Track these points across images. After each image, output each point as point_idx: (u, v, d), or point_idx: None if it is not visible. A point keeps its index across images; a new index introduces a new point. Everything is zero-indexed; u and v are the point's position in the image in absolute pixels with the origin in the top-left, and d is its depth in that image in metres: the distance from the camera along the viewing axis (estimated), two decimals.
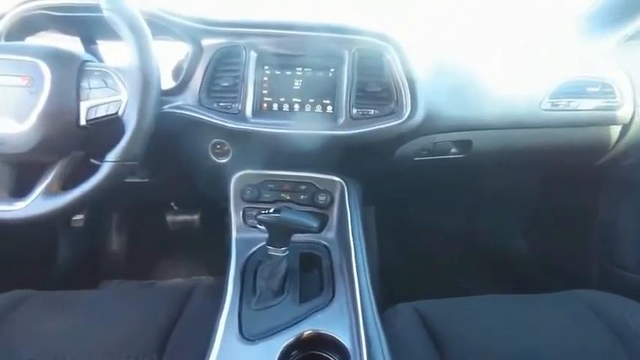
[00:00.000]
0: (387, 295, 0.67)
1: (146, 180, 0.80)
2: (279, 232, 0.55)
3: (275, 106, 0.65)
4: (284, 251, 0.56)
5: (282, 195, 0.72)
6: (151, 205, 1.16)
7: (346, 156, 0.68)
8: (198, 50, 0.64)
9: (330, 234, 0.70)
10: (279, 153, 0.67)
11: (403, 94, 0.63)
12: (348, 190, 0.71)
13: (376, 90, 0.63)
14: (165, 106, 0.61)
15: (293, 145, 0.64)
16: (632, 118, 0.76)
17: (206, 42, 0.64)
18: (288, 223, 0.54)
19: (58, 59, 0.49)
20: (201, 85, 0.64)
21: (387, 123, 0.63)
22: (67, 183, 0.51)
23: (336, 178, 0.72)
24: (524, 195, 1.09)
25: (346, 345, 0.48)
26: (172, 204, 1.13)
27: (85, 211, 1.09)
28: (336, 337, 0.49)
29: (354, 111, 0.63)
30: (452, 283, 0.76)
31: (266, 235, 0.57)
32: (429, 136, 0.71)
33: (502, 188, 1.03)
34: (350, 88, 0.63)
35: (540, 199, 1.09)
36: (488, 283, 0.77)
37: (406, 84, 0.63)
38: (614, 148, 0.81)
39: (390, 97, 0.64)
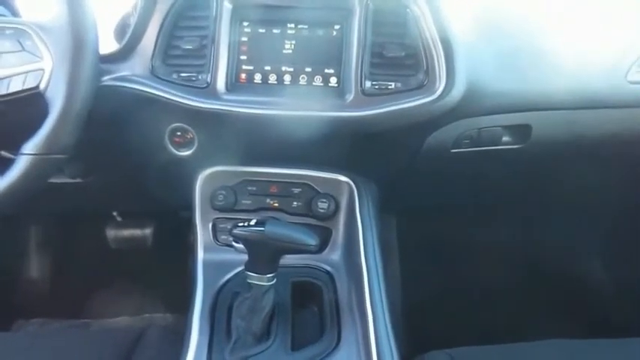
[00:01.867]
0: (414, 341, 0.66)
1: (78, 180, 0.79)
2: (264, 253, 0.55)
3: (257, 78, 0.65)
4: (270, 279, 0.56)
5: (268, 201, 0.72)
6: (85, 216, 1.14)
7: (357, 147, 0.68)
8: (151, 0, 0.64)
9: (334, 255, 0.70)
10: (264, 143, 0.67)
11: (436, 60, 0.62)
12: (359, 195, 0.71)
13: (398, 55, 0.63)
14: (105, 77, 0.61)
15: (283, 131, 0.63)
16: None
17: None
18: (275, 239, 0.53)
19: None
20: (155, 48, 0.63)
21: (414, 101, 0.62)
22: None
23: (343, 178, 0.72)
24: (604, 202, 1.09)
25: None
26: (115, 213, 1.10)
27: None
28: None
29: (368, 84, 0.63)
30: (500, 324, 0.75)
31: (245, 257, 0.56)
32: (471, 119, 0.71)
33: (573, 191, 1.03)
34: (362, 53, 0.63)
35: (627, 208, 1.09)
36: (552, 323, 0.76)
37: (440, 47, 0.62)
38: None
39: (418, 64, 0.63)
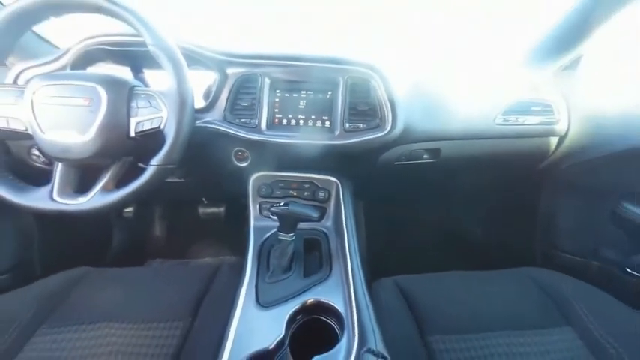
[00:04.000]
0: (374, 272, 0.67)
1: (182, 180, 0.80)
2: (288, 221, 0.55)
3: (284, 122, 0.64)
4: (291, 236, 0.56)
5: (290, 192, 0.72)
6: (186, 200, 1.15)
7: (341, 161, 0.68)
8: (224, 77, 0.64)
9: (328, 223, 0.70)
10: (288, 158, 0.67)
11: (386, 112, 0.63)
12: (342, 188, 0.70)
13: (365, 109, 0.63)
14: (198, 122, 0.61)
15: (299, 152, 0.64)
16: (567, 131, 0.76)
17: (230, 70, 0.64)
18: (294, 214, 0.54)
19: (112, 84, 0.49)
20: (226, 104, 0.63)
21: (373, 135, 0.62)
22: (119, 182, 0.51)
23: (333, 179, 0.71)
24: (483, 191, 1.08)
25: (341, 310, 0.48)
26: (203, 199, 1.12)
27: (134, 204, 1.08)
28: (333, 304, 0.49)
29: (347, 125, 0.63)
30: (425, 262, 0.75)
31: (277, 224, 0.56)
32: (406, 145, 0.71)
33: (465, 186, 1.02)
34: (344, 108, 0.63)
35: (495, 195, 1.08)
36: (454, 261, 0.77)
37: (388, 104, 0.62)
38: (553, 155, 0.80)
39: (376, 114, 0.63)
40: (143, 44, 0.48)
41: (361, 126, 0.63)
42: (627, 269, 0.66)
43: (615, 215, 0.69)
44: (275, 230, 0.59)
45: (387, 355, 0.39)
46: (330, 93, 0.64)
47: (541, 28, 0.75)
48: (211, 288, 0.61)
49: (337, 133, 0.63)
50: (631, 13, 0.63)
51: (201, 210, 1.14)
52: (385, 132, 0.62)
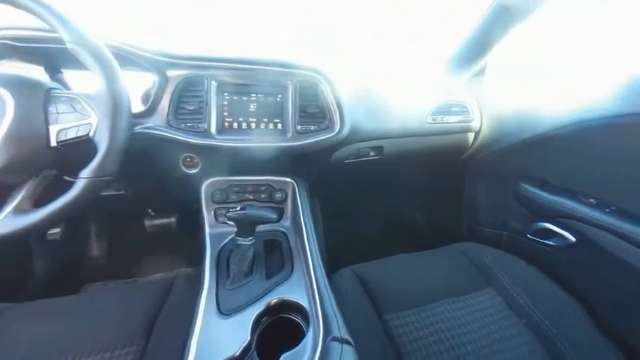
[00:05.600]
0: (333, 264, 0.68)
1: (121, 192, 0.70)
2: (246, 225, 0.53)
3: (235, 125, 0.61)
4: (251, 240, 0.53)
5: (246, 195, 0.68)
6: (129, 213, 1.00)
7: (295, 161, 0.67)
8: (164, 79, 0.58)
9: (286, 222, 0.69)
10: (242, 162, 0.64)
11: (334, 114, 0.64)
12: (298, 188, 0.70)
13: (314, 111, 0.63)
14: (137, 127, 0.54)
15: (252, 155, 0.61)
16: (480, 127, 0.87)
17: (171, 72, 0.58)
18: (252, 217, 0.52)
19: (21, 86, 0.40)
20: (169, 109, 0.57)
21: (324, 136, 0.63)
22: (39, 200, 0.42)
23: (288, 179, 0.70)
24: (419, 181, 1.16)
25: (304, 306, 0.48)
26: (149, 210, 0.99)
27: (62, 224, 0.90)
28: (297, 301, 0.48)
29: (299, 127, 0.62)
30: (376, 249, 0.79)
31: (235, 229, 0.53)
32: (354, 144, 0.73)
33: (404, 177, 1.10)
34: (294, 110, 0.62)
35: (429, 184, 1.17)
36: (400, 245, 0.83)
37: (336, 107, 0.64)
38: (471, 147, 0.91)
39: (325, 116, 0.64)
40: (60, 41, 0.41)
41: (312, 127, 0.63)
42: (528, 235, 0.80)
43: (517, 194, 0.83)
44: (233, 235, 0.56)
45: (350, 339, 0.40)
46: (279, 96, 0.62)
47: (455, 42, 0.86)
48: (166, 305, 0.55)
49: (289, 135, 0.62)
50: (520, 34, 0.76)
51: (148, 222, 1.01)
52: (334, 133, 0.63)
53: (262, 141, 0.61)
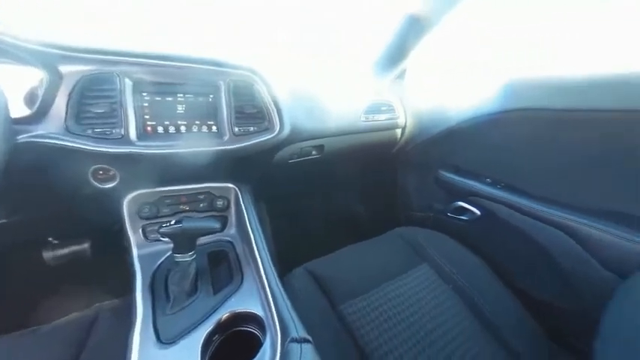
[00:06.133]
0: (285, 265, 0.67)
1: (4, 221, 0.54)
2: (184, 240, 0.47)
3: (160, 129, 0.53)
4: (192, 255, 0.48)
5: (181, 207, 0.61)
6: (19, 246, 0.77)
7: (236, 165, 0.63)
8: (56, 76, 0.46)
9: (231, 231, 0.64)
10: (173, 170, 0.57)
11: (273, 114, 0.62)
12: (241, 193, 0.66)
13: (252, 112, 0.60)
14: (21, 136, 0.42)
15: (186, 162, 0.54)
16: (405, 124, 0.98)
17: (66, 68, 0.46)
18: (191, 230, 0.46)
19: None
20: (67, 112, 0.46)
21: (264, 137, 0.61)
22: None
23: (230, 185, 0.66)
24: (358, 175, 1.23)
25: (259, 314, 0.45)
26: (50, 239, 0.77)
27: None
28: (250, 311, 0.46)
29: (236, 129, 0.59)
30: (325, 244, 0.81)
31: (171, 245, 0.47)
32: (296, 144, 0.73)
33: (345, 173, 1.15)
34: (230, 111, 0.58)
35: (367, 177, 1.25)
36: (346, 237, 0.87)
37: (274, 107, 0.62)
38: (400, 142, 1.01)
39: (264, 117, 0.62)
40: None
41: (251, 129, 0.60)
42: (448, 214, 0.94)
43: (437, 179, 0.97)
44: (170, 253, 0.49)
45: (308, 337, 0.40)
46: (211, 96, 0.57)
47: (377, 46, 0.94)
48: (86, 349, 0.45)
49: (226, 137, 0.58)
50: (432, 43, 0.87)
51: (49, 253, 0.78)
52: (275, 133, 0.62)
53: (196, 145, 0.55)
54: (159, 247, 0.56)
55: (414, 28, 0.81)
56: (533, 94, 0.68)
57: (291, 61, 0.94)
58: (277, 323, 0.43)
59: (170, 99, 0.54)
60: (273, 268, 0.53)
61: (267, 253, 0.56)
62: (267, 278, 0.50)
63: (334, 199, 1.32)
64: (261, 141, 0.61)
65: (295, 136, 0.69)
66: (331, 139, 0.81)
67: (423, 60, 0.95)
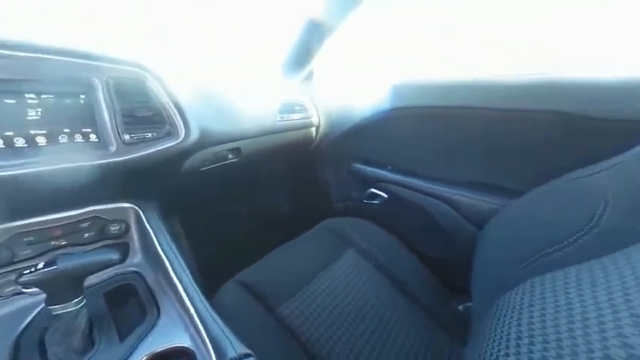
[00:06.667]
0: (213, 282, 0.61)
1: None
2: (63, 285, 0.36)
3: (0, 143, 0.39)
4: (78, 302, 0.37)
5: (53, 243, 0.47)
6: None
7: (132, 180, 0.52)
8: None
9: (136, 259, 0.53)
10: (34, 196, 0.42)
11: (174, 117, 0.54)
12: (144, 213, 0.55)
13: (147, 115, 0.51)
14: None
15: (53, 183, 0.41)
16: (319, 122, 1.03)
17: None
18: (72, 270, 0.36)
19: None
20: None
21: (167, 143, 0.52)
22: None
23: (127, 205, 0.54)
24: (279, 175, 1.22)
25: (187, 345, 0.39)
26: None
27: None
28: (175, 345, 0.39)
29: (127, 137, 0.48)
30: (255, 250, 0.78)
31: (41, 296, 0.35)
32: (208, 149, 0.66)
33: (266, 174, 1.13)
34: (113, 115, 0.47)
35: (290, 175, 1.25)
36: (276, 238, 0.86)
37: (174, 109, 0.54)
38: (316, 140, 1.06)
39: (163, 120, 0.53)
40: None
41: (149, 135, 0.51)
42: (364, 200, 1.05)
43: (351, 171, 1.07)
44: (43, 306, 0.37)
45: (248, 350, 0.38)
46: (83, 97, 0.45)
47: (284, 48, 0.95)
48: None
49: (113, 148, 0.47)
50: (336, 46, 0.94)
51: None
52: (180, 139, 0.54)
53: (67, 161, 0.42)
54: (20, 302, 0.41)
55: (315, 32, 0.86)
56: (413, 94, 0.83)
57: (191, 60, 0.85)
58: (211, 348, 0.38)
59: (12, 101, 0.40)
60: (198, 289, 0.47)
61: (188, 273, 0.50)
62: (191, 303, 0.44)
63: (258, 201, 1.28)
64: (164, 149, 0.52)
65: (206, 141, 0.63)
66: (248, 141, 0.78)
67: (328, 62, 1.02)
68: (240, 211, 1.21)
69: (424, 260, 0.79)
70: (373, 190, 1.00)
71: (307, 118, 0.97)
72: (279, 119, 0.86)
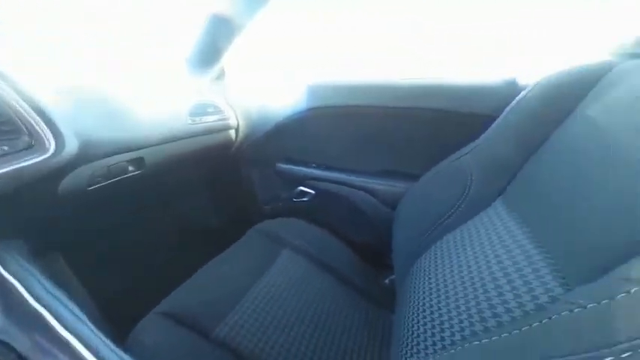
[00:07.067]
0: (127, 321, 0.50)
1: None
2: None
3: None
4: None
5: None
6: None
7: None
8: None
9: None
10: None
11: (35, 125, 0.41)
12: (2, 257, 0.41)
13: None
14: None
15: None
16: (238, 124, 0.97)
17: None
18: None
19: None
20: None
21: (28, 160, 0.40)
22: None
23: None
24: (199, 184, 1.11)
25: None
26: None
27: None
28: None
29: None
30: (178, 273, 0.68)
31: None
32: (98, 162, 0.54)
33: (182, 184, 1.01)
34: None
35: (210, 183, 1.14)
36: (204, 254, 0.78)
37: (34, 114, 0.41)
38: (237, 142, 1.00)
39: (19, 130, 0.40)
40: None
41: (6, 148, 0.38)
42: (294, 199, 1.06)
43: (277, 172, 1.06)
44: None
45: None
46: None
47: (189, 44, 0.85)
48: None
49: None
50: (248, 44, 0.90)
51: None
52: (49, 153, 0.42)
53: None
54: None
55: (223, 29, 0.81)
56: (327, 94, 0.89)
57: (65, 56, 0.66)
58: None
59: None
60: (104, 336, 0.38)
61: (86, 321, 0.39)
62: (96, 356, 0.35)
63: (176, 217, 1.12)
64: (24, 167, 0.39)
65: (92, 152, 0.51)
66: (153, 148, 0.67)
67: (242, 61, 0.98)
68: (153, 231, 1.03)
69: (354, 246, 0.86)
70: (301, 188, 1.02)
71: (224, 119, 0.91)
72: (191, 122, 0.77)
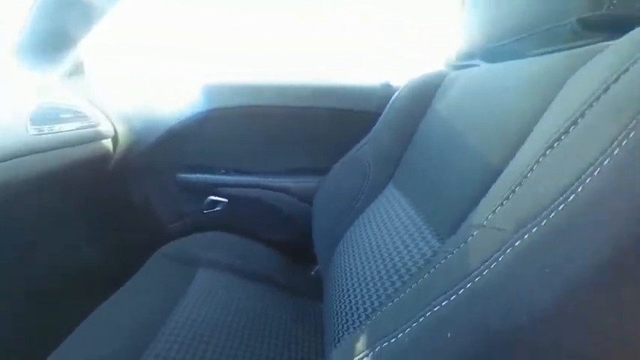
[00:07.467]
0: None
1: None
2: None
3: None
4: None
5: None
6: None
7: None
8: None
9: None
10: None
11: None
12: None
13: None
14: None
15: None
16: (115, 132, 0.78)
17: None
18: None
19: None
20: None
21: None
22: None
23: None
24: (74, 211, 0.84)
25: None
26: None
27: None
28: None
29: None
30: (65, 322, 0.50)
31: None
32: None
33: (46, 216, 0.74)
34: None
35: (88, 210, 0.88)
36: (93, 298, 0.59)
37: None
38: (117, 154, 0.81)
39: None
40: None
41: None
42: (204, 211, 0.95)
43: (178, 183, 0.93)
44: None
45: None
46: None
47: (16, 27, 0.61)
48: None
49: None
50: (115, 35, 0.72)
51: None
52: None
53: None
54: None
55: (74, 11, 0.62)
56: (225, 94, 0.84)
57: None
58: None
59: None
60: None
61: None
62: None
63: (48, 257, 0.81)
64: None
65: None
66: None
67: (109, 53, 0.78)
68: (20, 278, 0.72)
69: (275, 246, 0.86)
70: (211, 197, 0.93)
71: (91, 126, 0.72)
72: (36, 132, 0.57)
